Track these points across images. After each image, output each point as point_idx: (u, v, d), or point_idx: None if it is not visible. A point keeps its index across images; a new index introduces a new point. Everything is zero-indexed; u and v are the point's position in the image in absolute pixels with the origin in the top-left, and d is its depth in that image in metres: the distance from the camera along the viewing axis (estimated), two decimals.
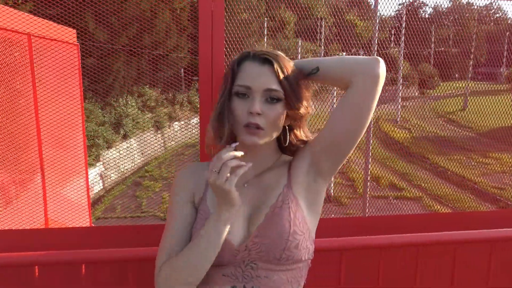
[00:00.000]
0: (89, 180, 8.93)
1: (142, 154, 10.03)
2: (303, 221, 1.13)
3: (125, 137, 10.27)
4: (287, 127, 1.17)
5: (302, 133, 1.20)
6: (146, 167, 9.74)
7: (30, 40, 3.01)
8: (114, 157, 9.05)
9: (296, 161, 1.18)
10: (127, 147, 9.89)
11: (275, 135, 1.14)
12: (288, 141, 1.18)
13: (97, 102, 11.17)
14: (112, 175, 9.03)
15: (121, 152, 9.38)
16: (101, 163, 9.15)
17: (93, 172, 8.97)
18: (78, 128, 4.15)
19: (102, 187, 8.94)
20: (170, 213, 1.17)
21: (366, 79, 1.08)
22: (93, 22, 11.29)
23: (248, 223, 1.12)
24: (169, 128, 11.25)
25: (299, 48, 10.13)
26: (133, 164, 9.64)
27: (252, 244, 1.09)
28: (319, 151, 1.14)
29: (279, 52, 1.14)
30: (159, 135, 10.97)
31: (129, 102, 9.55)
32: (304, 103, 1.14)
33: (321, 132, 1.15)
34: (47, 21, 3.58)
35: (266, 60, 1.11)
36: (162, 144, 10.79)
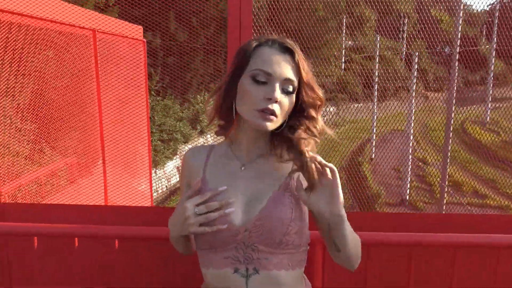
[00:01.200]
0: (167, 172, 9.38)
1: None
2: (304, 209, 1.16)
3: (201, 132, 10.64)
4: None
5: (311, 125, 1.16)
6: None
7: (95, 35, 3.18)
8: None
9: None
10: (203, 142, 10.24)
11: (281, 121, 1.14)
12: (281, 129, 1.16)
13: (176, 98, 11.68)
14: None
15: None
16: (178, 156, 9.55)
17: (171, 165, 9.39)
18: (143, 122, 4.29)
19: (178, 179, 9.28)
20: (180, 186, 1.28)
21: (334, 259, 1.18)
22: (175, 23, 11.81)
23: (247, 207, 1.14)
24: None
25: (378, 44, 9.75)
26: None
27: (253, 226, 1.11)
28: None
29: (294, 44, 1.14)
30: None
31: (206, 99, 9.75)
32: (319, 94, 1.15)
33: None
34: (114, 18, 3.76)
35: (287, 49, 1.12)
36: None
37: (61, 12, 2.75)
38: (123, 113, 3.75)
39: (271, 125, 1.10)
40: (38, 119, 2.78)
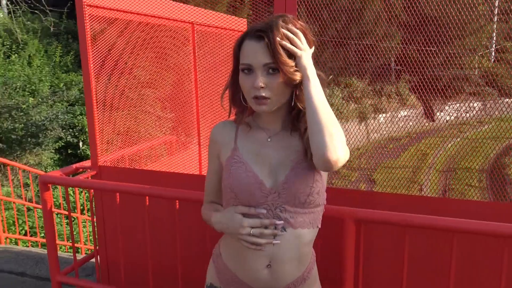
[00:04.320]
0: None
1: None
2: (320, 173, 1.29)
3: None
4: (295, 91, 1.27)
5: (302, 102, 1.26)
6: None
7: (193, 28, 3.37)
8: None
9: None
10: None
11: (283, 100, 1.26)
12: (293, 102, 1.27)
13: None
14: None
15: None
16: None
17: None
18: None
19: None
20: (208, 163, 1.43)
21: (316, 160, 1.18)
22: (305, 16, 11.74)
23: (275, 172, 1.28)
24: (373, 120, 10.98)
25: None
26: None
27: (282, 189, 1.26)
28: None
29: (275, 20, 1.19)
30: (362, 126, 10.80)
31: (335, 92, 9.67)
32: (292, 69, 1.20)
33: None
34: (216, 12, 3.92)
35: (260, 36, 1.21)
36: (365, 135, 10.59)
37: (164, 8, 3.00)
38: (218, 104, 3.88)
39: (267, 107, 1.24)
40: (176, 109, 2.97)
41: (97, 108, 2.48)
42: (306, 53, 1.21)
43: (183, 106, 3.45)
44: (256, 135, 1.34)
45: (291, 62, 1.20)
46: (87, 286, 2.41)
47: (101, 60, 2.48)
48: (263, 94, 1.22)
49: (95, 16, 2.42)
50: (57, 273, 2.33)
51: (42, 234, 6.12)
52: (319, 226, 1.35)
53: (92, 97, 2.43)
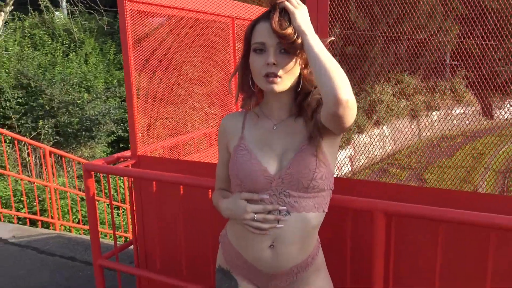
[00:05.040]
0: (338, 160, 9.24)
1: (394, 141, 9.76)
2: (325, 158, 1.31)
3: (377, 123, 10.19)
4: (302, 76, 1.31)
5: (310, 81, 1.31)
6: (396, 155, 9.39)
7: (233, 22, 3.42)
8: (364, 142, 9.12)
9: (315, 117, 1.30)
10: (379, 133, 9.80)
11: (291, 82, 1.29)
12: (300, 86, 1.31)
13: (353, 88, 11.39)
14: (361, 158, 9.12)
15: (372, 138, 9.39)
16: (351, 146, 9.32)
17: (343, 154, 9.20)
18: None
19: (350, 170, 9.11)
20: (219, 153, 1.50)
21: (327, 109, 1.15)
22: (355, 11, 11.48)
23: (280, 158, 1.32)
24: (426, 117, 10.61)
25: None
26: (383, 151, 9.49)
27: (285, 174, 1.30)
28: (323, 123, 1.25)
29: (289, 6, 1.22)
30: (414, 124, 10.46)
31: (385, 89, 9.41)
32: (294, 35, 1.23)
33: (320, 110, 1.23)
34: (251, 5, 3.92)
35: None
36: (416, 133, 10.26)
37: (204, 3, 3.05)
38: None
39: (277, 87, 1.26)
40: (222, 104, 3.01)
41: (138, 100, 2.54)
42: (299, 10, 1.22)
43: (225, 100, 3.48)
44: (262, 123, 1.39)
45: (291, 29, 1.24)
46: (125, 270, 2.49)
47: (140, 53, 2.53)
48: (275, 71, 1.25)
49: (136, 11, 2.47)
50: (99, 257, 2.41)
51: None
52: (325, 211, 1.38)
53: (132, 88, 2.49)
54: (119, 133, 9.36)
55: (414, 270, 1.79)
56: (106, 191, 7.54)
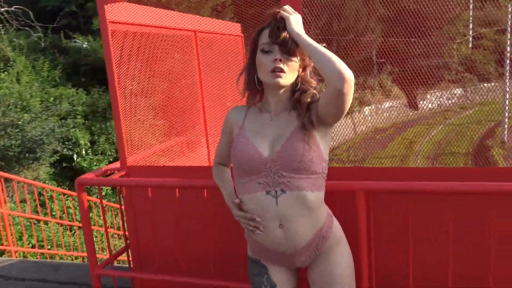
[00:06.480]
0: None
1: (332, 138, 10.18)
2: (315, 144, 1.51)
3: None
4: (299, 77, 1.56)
5: (308, 82, 1.57)
6: (335, 151, 9.94)
7: (196, 36, 3.66)
8: None
9: (311, 109, 1.52)
10: None
11: (292, 79, 1.52)
12: (299, 85, 1.55)
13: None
14: None
15: None
16: None
17: None
18: None
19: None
20: (221, 135, 1.75)
21: (333, 90, 1.35)
22: None
23: (273, 144, 1.53)
24: (359, 113, 11.25)
25: (510, 16, 8.73)
26: None
27: (277, 157, 1.50)
28: (320, 112, 1.48)
29: (284, 14, 1.47)
30: (349, 120, 11.05)
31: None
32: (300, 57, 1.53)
33: (320, 99, 1.47)
34: (212, 19, 4.16)
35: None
36: (352, 129, 10.84)
37: (173, 19, 3.26)
38: (224, 104, 4.19)
39: (282, 81, 1.49)
40: (167, 116, 3.18)
41: (123, 114, 2.67)
42: (293, 16, 1.47)
43: (191, 109, 3.70)
44: (261, 116, 1.60)
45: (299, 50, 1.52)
46: (123, 275, 2.71)
47: (121, 71, 2.69)
48: (281, 66, 1.47)
49: (115, 31, 2.62)
50: (96, 267, 2.53)
51: (49, 246, 6.27)
52: (322, 190, 1.56)
53: (119, 105, 2.62)
54: (64, 152, 9.16)
55: (391, 237, 2.12)
56: (54, 213, 7.39)
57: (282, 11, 1.48)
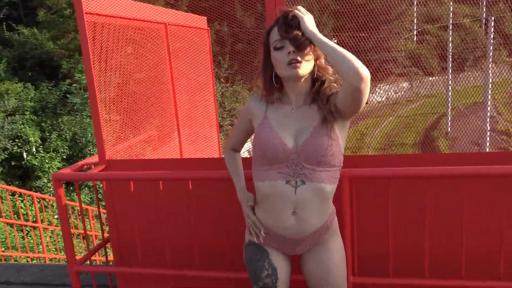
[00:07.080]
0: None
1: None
2: (337, 138, 1.57)
3: None
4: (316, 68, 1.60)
5: (324, 69, 1.60)
6: None
7: (166, 29, 3.66)
8: None
9: (329, 102, 1.57)
10: None
11: (309, 69, 1.55)
12: (316, 73, 1.59)
13: (245, 84, 11.95)
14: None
15: None
16: (250, 140, 9.83)
17: (244, 148, 9.67)
18: (210, 105, 4.58)
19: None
20: (238, 120, 1.82)
21: (350, 87, 1.41)
22: (241, 10, 11.98)
23: (296, 136, 1.58)
24: None
25: (451, 14, 9.29)
26: None
27: (301, 150, 1.55)
28: (338, 106, 1.53)
29: (299, 13, 1.53)
30: None
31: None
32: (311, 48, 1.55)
33: (338, 94, 1.52)
34: (181, 12, 4.15)
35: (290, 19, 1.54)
36: None
37: (137, 10, 3.18)
38: (193, 98, 4.21)
39: (300, 71, 1.52)
40: (122, 111, 3.16)
41: (101, 107, 2.63)
42: (307, 17, 1.52)
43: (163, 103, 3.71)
44: (282, 107, 1.64)
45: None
46: (103, 271, 2.82)
47: (98, 64, 2.67)
48: (296, 57, 1.51)
49: (91, 23, 2.58)
50: (74, 263, 2.47)
51: (4, 248, 6.04)
52: (336, 183, 1.64)
53: (96, 97, 2.56)
54: (14, 150, 8.75)
55: (371, 220, 2.26)
56: (5, 213, 7.09)
57: (296, 11, 1.53)
